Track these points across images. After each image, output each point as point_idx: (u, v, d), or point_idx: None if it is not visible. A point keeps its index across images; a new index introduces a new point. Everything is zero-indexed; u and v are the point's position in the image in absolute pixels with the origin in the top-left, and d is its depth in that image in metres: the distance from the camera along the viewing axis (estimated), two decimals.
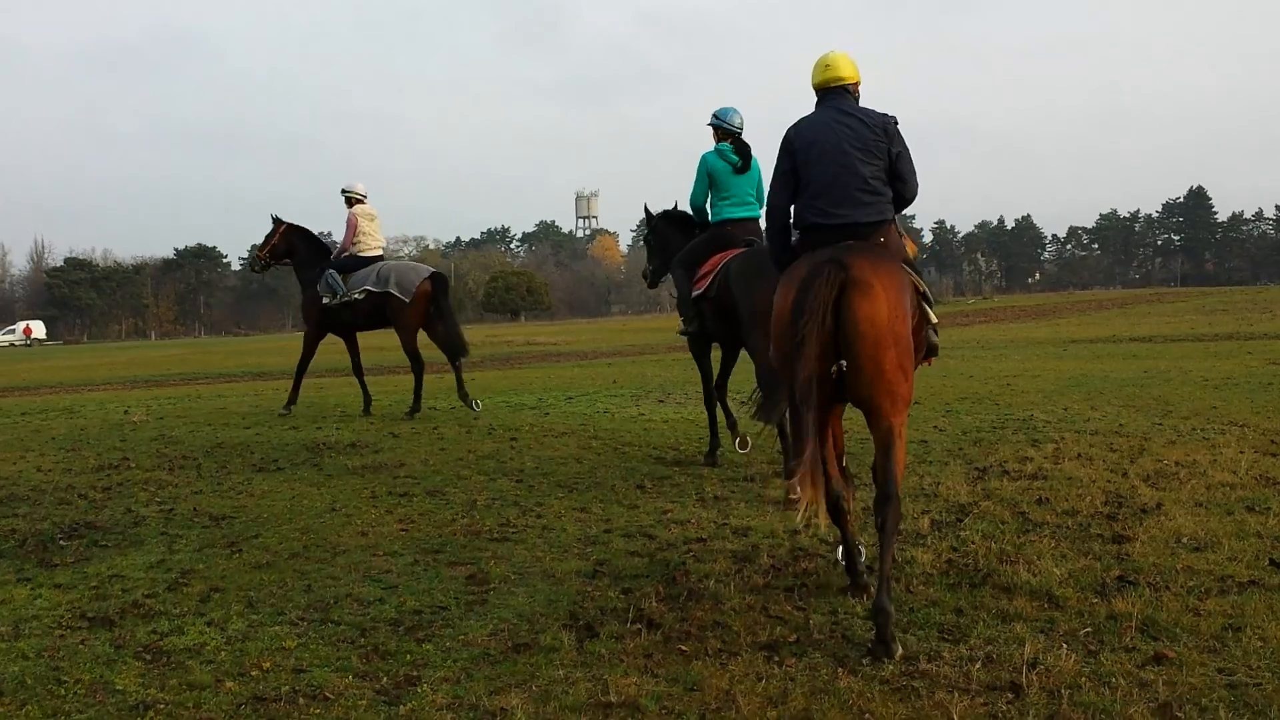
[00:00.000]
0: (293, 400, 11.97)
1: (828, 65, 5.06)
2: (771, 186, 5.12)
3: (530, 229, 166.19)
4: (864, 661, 3.82)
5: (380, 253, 11.96)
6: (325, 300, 11.59)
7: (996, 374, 14.18)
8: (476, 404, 11.36)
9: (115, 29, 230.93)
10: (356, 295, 11.36)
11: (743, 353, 8.08)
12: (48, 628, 4.38)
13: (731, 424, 8.32)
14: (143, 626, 4.38)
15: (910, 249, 5.18)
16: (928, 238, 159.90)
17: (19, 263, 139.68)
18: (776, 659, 3.88)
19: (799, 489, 4.27)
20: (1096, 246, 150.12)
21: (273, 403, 13.56)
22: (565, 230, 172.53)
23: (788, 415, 4.84)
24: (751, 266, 7.12)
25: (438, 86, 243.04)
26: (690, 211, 8.28)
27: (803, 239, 4.98)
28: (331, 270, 11.61)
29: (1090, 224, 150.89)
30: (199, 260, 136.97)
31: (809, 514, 4.39)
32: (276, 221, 12.32)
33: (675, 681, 3.69)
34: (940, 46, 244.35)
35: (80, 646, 4.14)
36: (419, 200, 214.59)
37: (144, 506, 6.75)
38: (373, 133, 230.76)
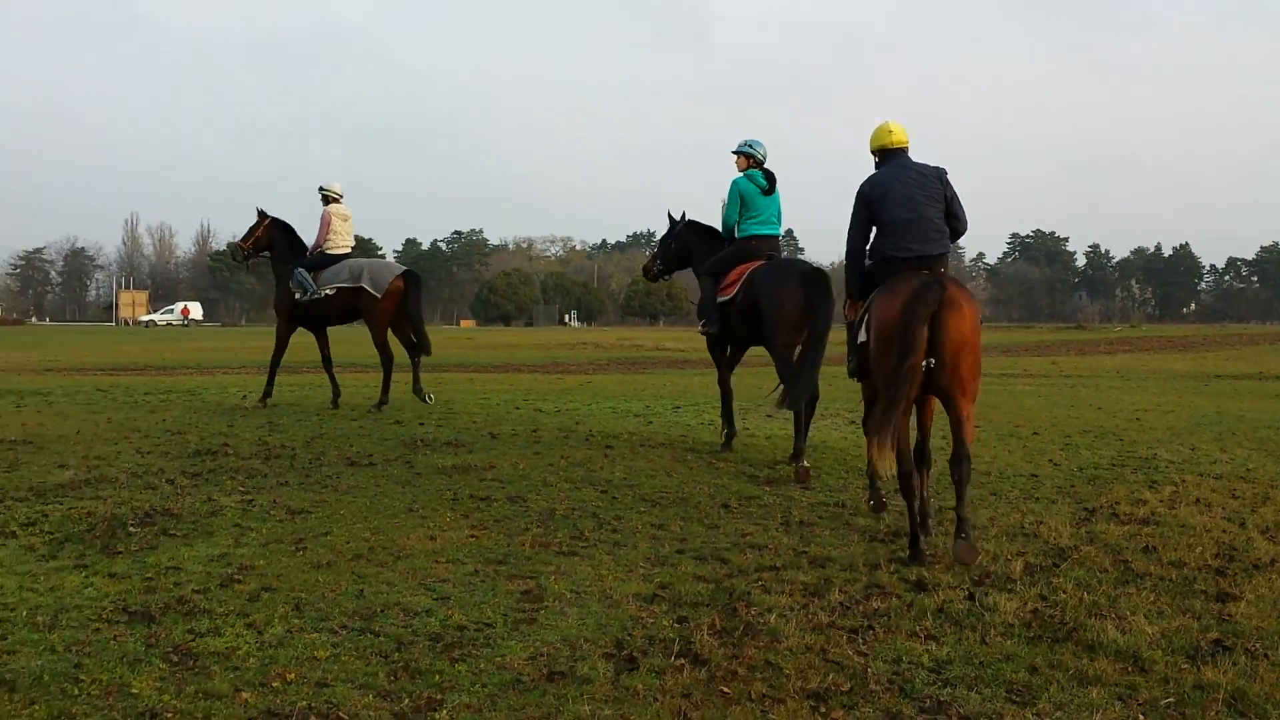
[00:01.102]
0: (267, 394, 12.21)
1: (890, 132, 6.46)
2: (851, 229, 6.43)
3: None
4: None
5: (349, 250, 12.29)
6: (297, 296, 11.83)
7: (1127, 407, 13.38)
8: (429, 396, 12.01)
9: (278, 22, 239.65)
10: (328, 291, 11.68)
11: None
12: (86, 619, 4.34)
13: (730, 433, 9.27)
14: (181, 624, 4.30)
15: None
16: (1080, 261, 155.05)
17: (184, 245, 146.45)
18: (823, 710, 3.56)
19: (882, 455, 5.38)
20: (1256, 279, 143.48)
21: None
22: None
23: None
24: (775, 275, 8.52)
25: (584, 90, 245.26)
26: (719, 226, 9.40)
27: (878, 267, 6.26)
28: (301, 269, 11.87)
29: (1250, 256, 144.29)
30: (355, 252, 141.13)
31: (880, 460, 5.43)
32: (261, 214, 12.60)
33: None
34: (1098, 66, 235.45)
35: (111, 642, 4.07)
36: (565, 201, 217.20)
37: (226, 496, 6.77)
38: (520, 132, 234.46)
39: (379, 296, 11.49)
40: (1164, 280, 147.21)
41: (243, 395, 13.25)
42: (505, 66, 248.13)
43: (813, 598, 4.79)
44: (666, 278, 10.44)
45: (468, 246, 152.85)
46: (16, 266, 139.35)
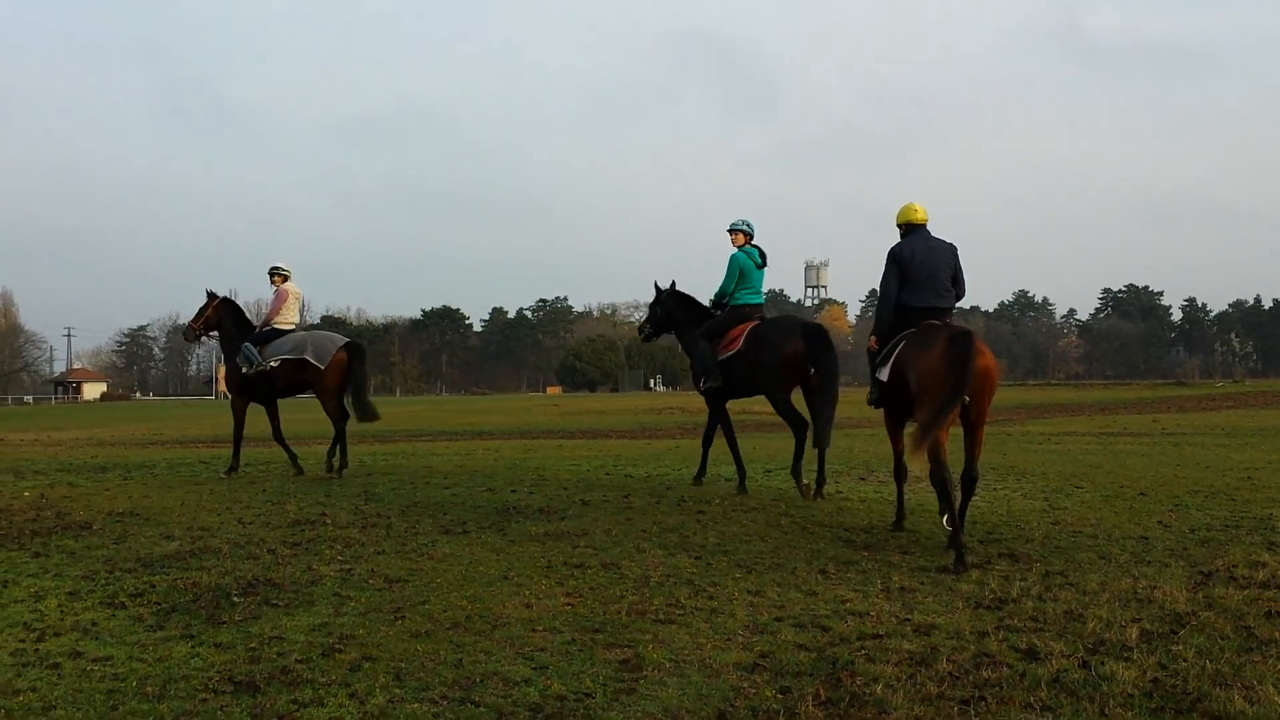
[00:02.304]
0: (234, 466, 12.59)
1: (915, 211, 8.24)
2: (886, 281, 8.06)
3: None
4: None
5: (293, 326, 12.90)
6: (244, 370, 12.32)
7: (1237, 465, 12.90)
8: (340, 471, 12.22)
9: (361, 102, 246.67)
10: (273, 364, 12.17)
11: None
12: (194, 690, 4.39)
13: (704, 468, 11.32)
14: (285, 694, 4.34)
15: None
16: (1176, 315, 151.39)
17: None
18: None
19: (919, 457, 6.99)
20: None
21: (480, 463, 13.79)
22: (794, 299, 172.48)
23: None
24: (773, 333, 10.03)
25: (661, 158, 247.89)
26: (705, 295, 11.05)
27: (901, 315, 8.00)
28: (247, 343, 12.35)
29: None
30: (443, 321, 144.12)
31: (911, 461, 7.16)
32: (211, 295, 13.12)
33: None
34: (1183, 118, 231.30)
35: (218, 713, 4.12)
36: (647, 267, 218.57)
37: (325, 565, 6.84)
38: (597, 198, 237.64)
39: (323, 368, 12.04)
40: (1266, 333, 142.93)
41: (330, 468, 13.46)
42: (583, 137, 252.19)
43: (920, 667, 4.65)
44: (655, 339, 12.12)
45: (553, 314, 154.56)
46: (122, 343, 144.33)
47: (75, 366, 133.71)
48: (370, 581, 6.38)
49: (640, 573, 6.61)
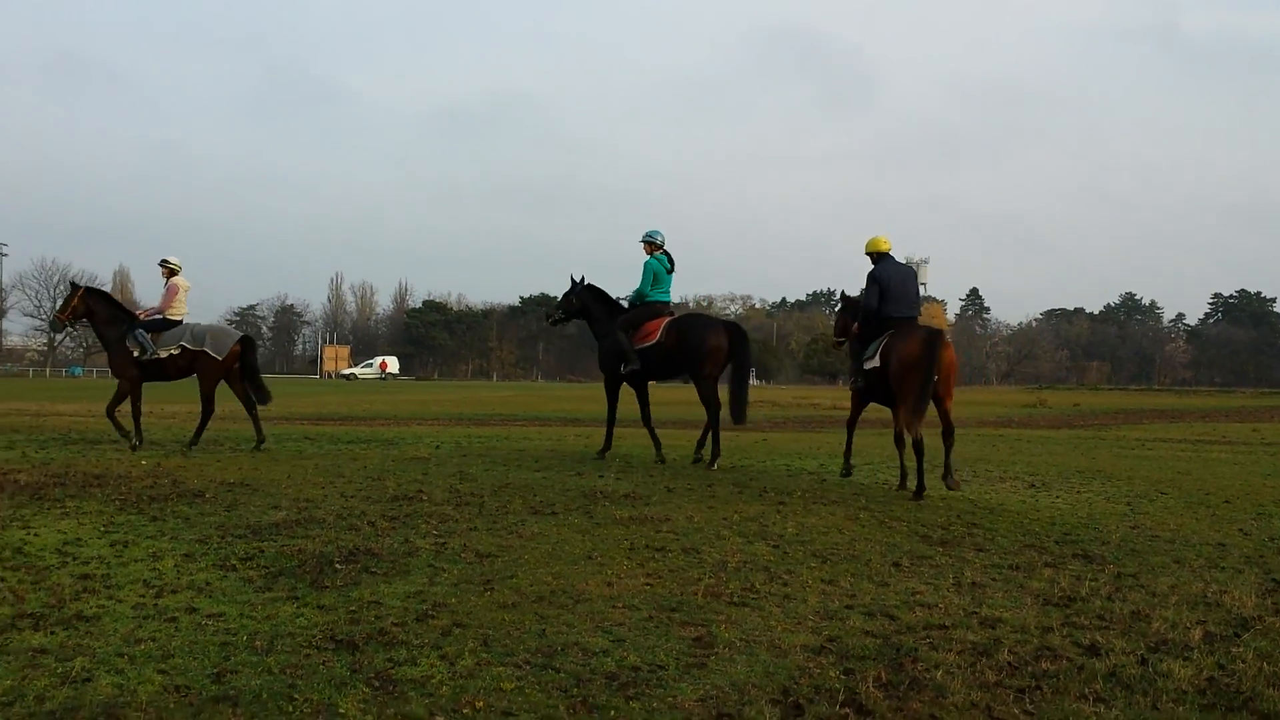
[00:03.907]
0: (137, 442, 13.12)
1: (882, 242, 10.74)
2: (868, 296, 10.54)
3: (855, 293, 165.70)
4: None
5: (181, 319, 13.60)
6: (136, 354, 13.07)
7: None
8: (190, 448, 12.93)
9: (456, 95, 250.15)
10: (173, 351, 13.09)
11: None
12: (299, 645, 4.78)
13: (607, 445, 12.89)
14: (382, 654, 4.69)
15: None
16: None
17: (384, 303, 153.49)
18: None
19: (916, 431, 9.47)
20: None
21: (571, 448, 14.15)
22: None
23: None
24: (702, 325, 12.21)
25: (758, 152, 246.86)
26: (622, 292, 13.05)
27: (881, 322, 10.44)
28: (140, 330, 13.20)
29: None
30: (540, 309, 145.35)
31: (915, 434, 9.50)
32: (74, 286, 13.93)
33: None
34: None
35: (321, 667, 4.49)
36: (744, 260, 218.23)
37: (421, 538, 7.22)
38: (689, 193, 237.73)
39: (219, 359, 13.14)
40: None
41: (435, 446, 13.94)
42: (674, 130, 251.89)
43: (981, 657, 4.84)
44: (563, 324, 13.98)
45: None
46: (233, 321, 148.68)
47: None
48: (462, 555, 6.74)
49: (718, 558, 6.86)
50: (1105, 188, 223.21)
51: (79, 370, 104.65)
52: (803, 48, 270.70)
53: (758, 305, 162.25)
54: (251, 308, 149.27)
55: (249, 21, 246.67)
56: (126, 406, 13.34)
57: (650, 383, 12.92)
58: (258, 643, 4.82)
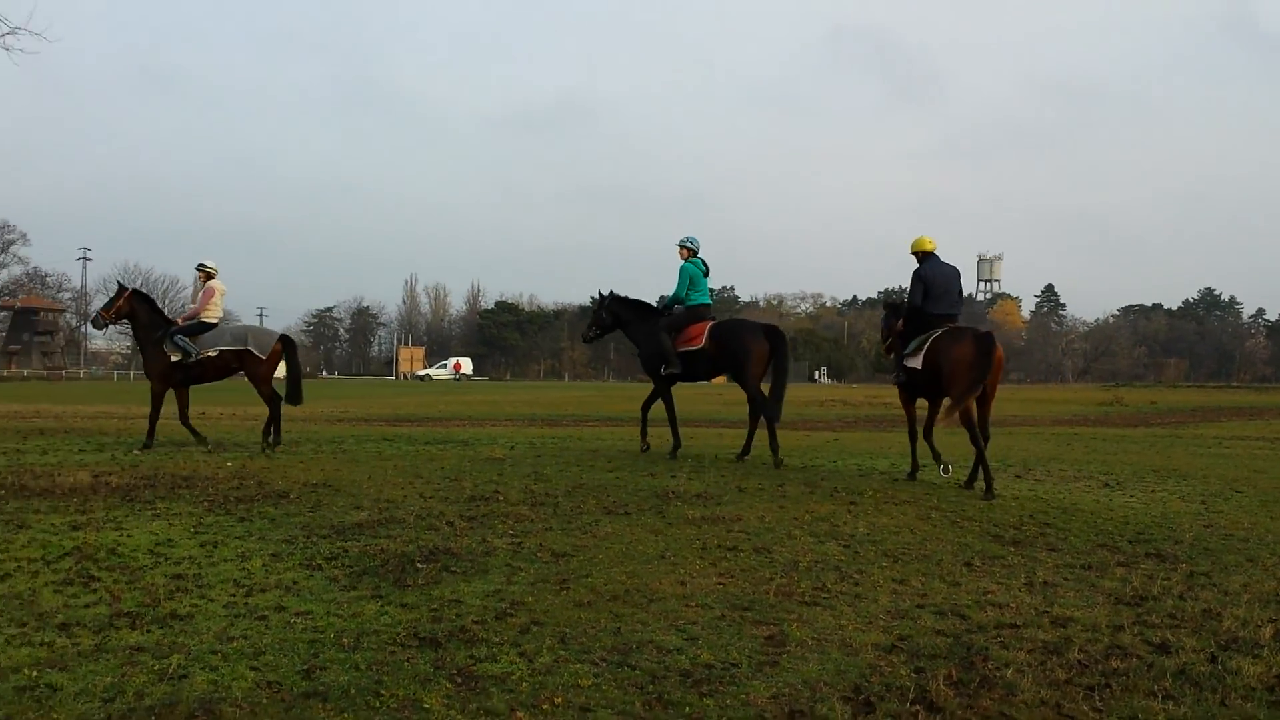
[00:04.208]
0: (148, 444, 13.37)
1: (927, 242, 11.04)
2: (913, 294, 10.94)
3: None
4: None
5: (217, 322, 13.98)
6: (175, 359, 13.39)
7: None
8: (271, 451, 13.14)
9: (524, 95, 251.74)
10: (210, 354, 13.42)
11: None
12: (384, 643, 4.97)
13: (644, 438, 13.40)
14: (463, 650, 4.86)
15: None
16: None
17: (457, 304, 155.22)
18: None
19: (952, 418, 9.96)
20: None
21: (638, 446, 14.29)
22: (966, 293, 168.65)
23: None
24: (744, 330, 12.55)
25: (828, 150, 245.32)
26: (657, 298, 13.40)
27: (925, 319, 10.80)
28: (180, 334, 13.45)
29: None
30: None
31: (944, 422, 10.23)
32: (121, 287, 14.09)
33: None
34: None
35: (405, 664, 4.66)
36: (815, 258, 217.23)
37: (498, 538, 7.40)
38: (759, 192, 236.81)
39: (264, 358, 13.52)
40: None
41: (510, 446, 14.16)
42: (745, 130, 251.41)
43: (1052, 655, 4.88)
44: (600, 339, 14.39)
45: (719, 305, 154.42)
46: (310, 324, 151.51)
47: None
48: (539, 555, 6.90)
49: (790, 557, 6.94)
50: (1183, 181, 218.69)
51: None
52: (871, 46, 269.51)
53: (829, 304, 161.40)
54: (329, 310, 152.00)
55: (322, 30, 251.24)
56: (168, 408, 13.81)
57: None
58: (344, 640, 5.01)
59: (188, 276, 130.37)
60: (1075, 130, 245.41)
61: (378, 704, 4.18)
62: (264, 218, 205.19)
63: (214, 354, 13.49)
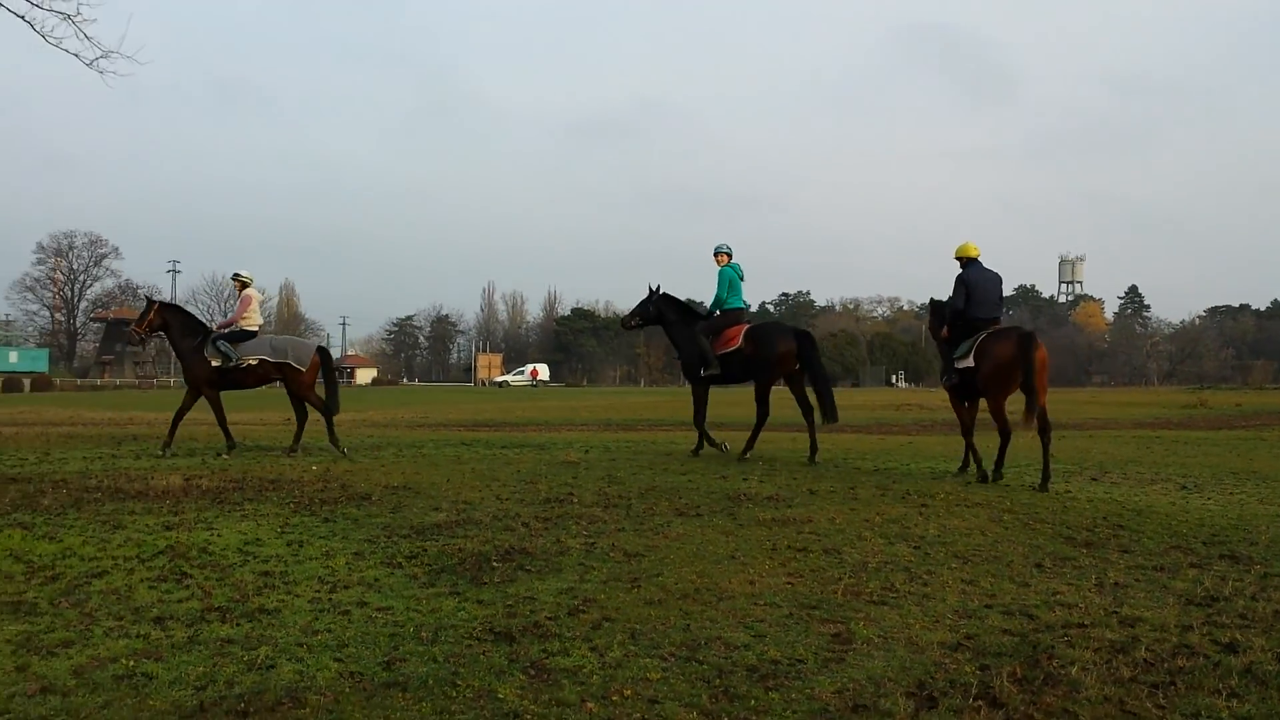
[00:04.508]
0: (231, 444, 14.06)
1: (971, 248, 11.59)
2: (955, 298, 11.43)
3: (1009, 292, 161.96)
4: None
5: (257, 329, 14.29)
6: (216, 364, 13.73)
7: None
8: (344, 449, 13.79)
9: (602, 101, 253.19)
10: (251, 361, 13.78)
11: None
12: (460, 637, 5.16)
13: (715, 444, 13.81)
14: (537, 645, 5.03)
15: None
16: None
17: (534, 311, 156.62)
18: None
19: (1032, 421, 10.54)
20: None
21: (714, 452, 14.39)
22: (1046, 295, 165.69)
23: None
24: (768, 334, 13.21)
25: (894, 150, 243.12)
26: (708, 301, 13.91)
27: (967, 324, 11.38)
28: (222, 340, 13.81)
29: None
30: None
31: (1025, 427, 10.71)
32: (150, 301, 14.42)
33: None
34: None
35: (481, 657, 4.85)
36: (892, 262, 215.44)
37: (572, 538, 7.57)
38: (834, 194, 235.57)
39: (304, 370, 13.85)
40: None
41: (585, 450, 14.36)
42: (815, 130, 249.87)
43: (1118, 654, 4.90)
44: (639, 329, 15.06)
45: (795, 308, 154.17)
46: (391, 332, 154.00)
47: (349, 353, 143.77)
48: (611, 554, 7.06)
49: (859, 558, 7.01)
50: (1269, 179, 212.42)
51: None
52: (942, 44, 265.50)
53: (905, 307, 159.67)
54: (409, 318, 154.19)
55: (396, 38, 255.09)
56: (205, 415, 14.35)
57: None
58: (423, 634, 5.21)
59: (273, 285, 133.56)
60: (1155, 128, 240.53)
61: (455, 694, 4.36)
62: (344, 227, 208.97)
63: (254, 362, 13.84)
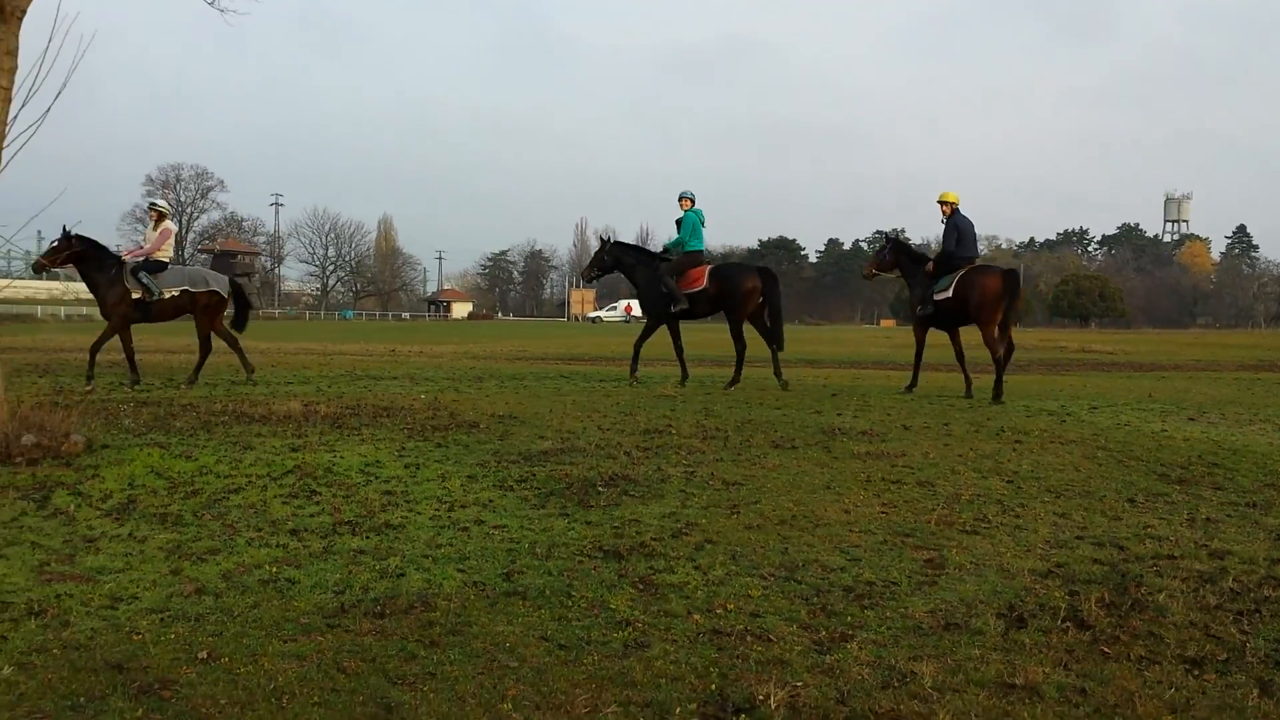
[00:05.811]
0: (132, 371, 13.72)
1: (953, 195, 13.46)
2: (947, 239, 13.46)
3: (1111, 231, 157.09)
4: None
5: (169, 261, 13.95)
6: (137, 296, 13.35)
7: None
8: (253, 377, 14.25)
9: (689, 38, 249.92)
10: (173, 293, 13.56)
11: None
12: (572, 554, 5.52)
13: (634, 370, 15.38)
14: (643, 562, 5.36)
15: None
16: None
17: None
18: (1196, 673, 3.95)
19: (998, 349, 12.85)
20: None
21: (809, 388, 14.58)
22: (1150, 234, 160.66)
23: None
24: (740, 271, 14.71)
25: (987, 89, 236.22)
26: (661, 243, 15.64)
27: (952, 262, 13.32)
28: (144, 271, 13.42)
29: None
30: (779, 251, 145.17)
31: (996, 351, 12.85)
32: (65, 232, 13.53)
33: (1085, 677, 3.91)
34: None
35: (592, 572, 5.20)
36: (992, 199, 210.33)
37: (672, 467, 7.88)
38: (926, 134, 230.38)
39: (225, 296, 14.08)
40: None
41: (678, 382, 14.67)
42: (914, 70, 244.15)
43: (1205, 584, 5.06)
44: (599, 279, 16.84)
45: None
46: (485, 267, 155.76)
47: (445, 287, 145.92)
48: (710, 482, 7.36)
49: (952, 491, 7.21)
50: None
51: (350, 314, 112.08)
52: None
53: (1004, 246, 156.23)
54: (503, 253, 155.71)
55: None
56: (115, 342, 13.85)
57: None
58: (538, 550, 5.58)
59: (371, 220, 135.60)
60: (1261, 63, 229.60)
61: (570, 604, 4.71)
62: (440, 163, 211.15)
63: (176, 293, 13.57)
